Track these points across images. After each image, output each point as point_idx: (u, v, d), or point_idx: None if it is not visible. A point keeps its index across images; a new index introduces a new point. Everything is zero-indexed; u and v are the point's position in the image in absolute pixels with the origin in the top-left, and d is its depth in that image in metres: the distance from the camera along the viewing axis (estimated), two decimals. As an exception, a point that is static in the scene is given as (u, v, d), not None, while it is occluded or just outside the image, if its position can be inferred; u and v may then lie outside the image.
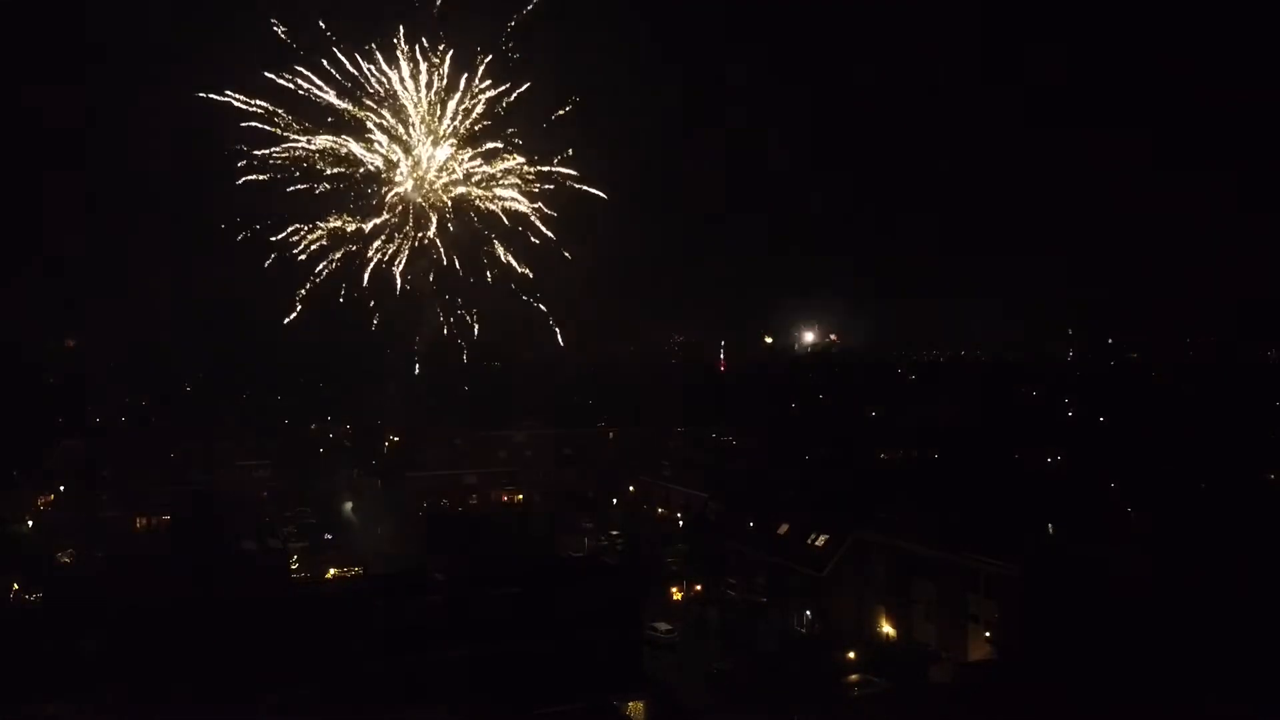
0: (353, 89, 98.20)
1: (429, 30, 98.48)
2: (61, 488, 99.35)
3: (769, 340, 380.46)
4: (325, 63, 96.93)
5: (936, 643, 56.21)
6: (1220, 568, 51.66)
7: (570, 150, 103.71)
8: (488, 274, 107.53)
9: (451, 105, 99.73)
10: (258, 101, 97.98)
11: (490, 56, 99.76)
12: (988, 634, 53.09)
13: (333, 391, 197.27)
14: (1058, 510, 76.83)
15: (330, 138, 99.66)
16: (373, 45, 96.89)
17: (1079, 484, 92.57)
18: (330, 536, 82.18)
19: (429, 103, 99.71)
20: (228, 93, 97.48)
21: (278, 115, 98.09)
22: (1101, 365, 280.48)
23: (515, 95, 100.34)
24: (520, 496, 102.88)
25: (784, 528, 70.02)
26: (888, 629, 60.15)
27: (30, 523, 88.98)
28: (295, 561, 74.67)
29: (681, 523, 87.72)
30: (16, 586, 66.05)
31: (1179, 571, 51.80)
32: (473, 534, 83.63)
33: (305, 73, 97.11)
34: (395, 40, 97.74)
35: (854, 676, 52.55)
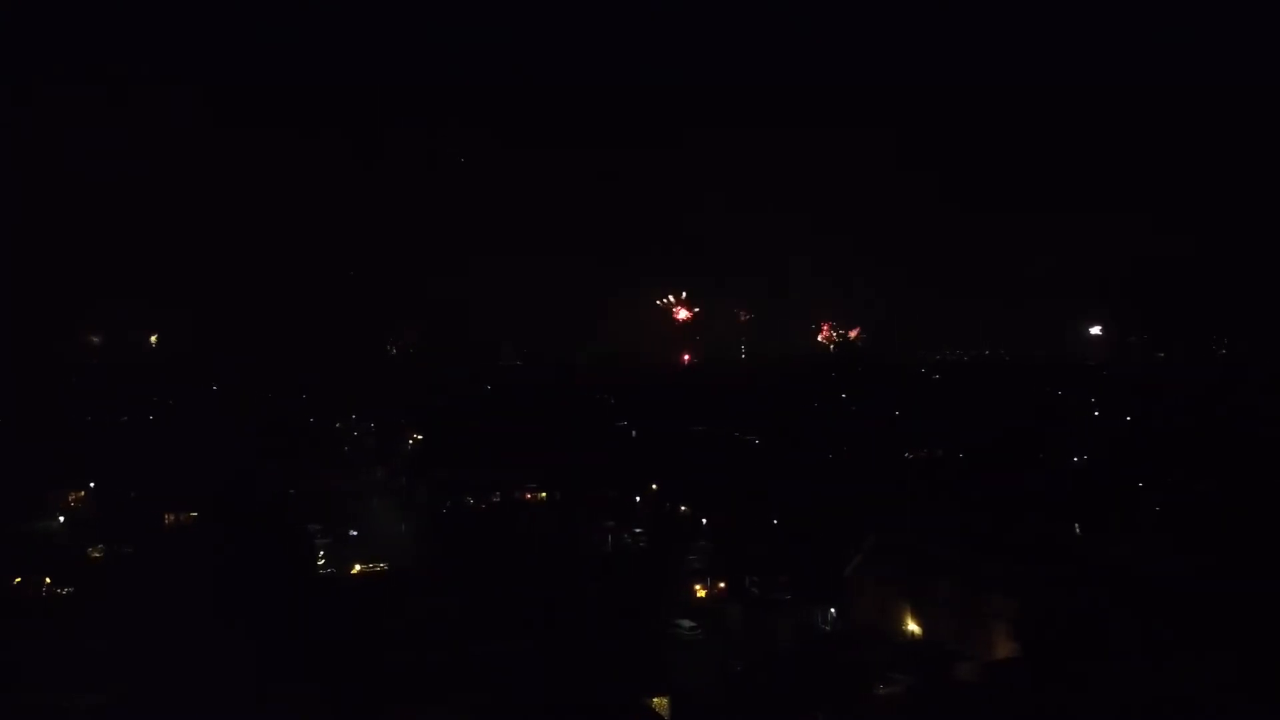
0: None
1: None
2: (92, 484, 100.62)
3: (791, 338, 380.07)
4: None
5: (960, 642, 56.00)
6: (1248, 566, 51.28)
7: None
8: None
9: None
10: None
11: None
12: (1012, 633, 52.82)
13: (356, 390, 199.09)
14: (1084, 510, 76.50)
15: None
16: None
17: (1105, 484, 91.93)
18: (355, 533, 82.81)
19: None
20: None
21: None
22: (1128, 365, 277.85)
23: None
24: (544, 494, 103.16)
25: (808, 525, 69.95)
26: (911, 627, 60.00)
27: (61, 519, 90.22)
28: (321, 557, 75.46)
29: (704, 520, 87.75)
30: (49, 581, 67.10)
31: (1206, 571, 51.47)
32: (495, 531, 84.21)
33: None
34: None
35: (877, 675, 52.48)
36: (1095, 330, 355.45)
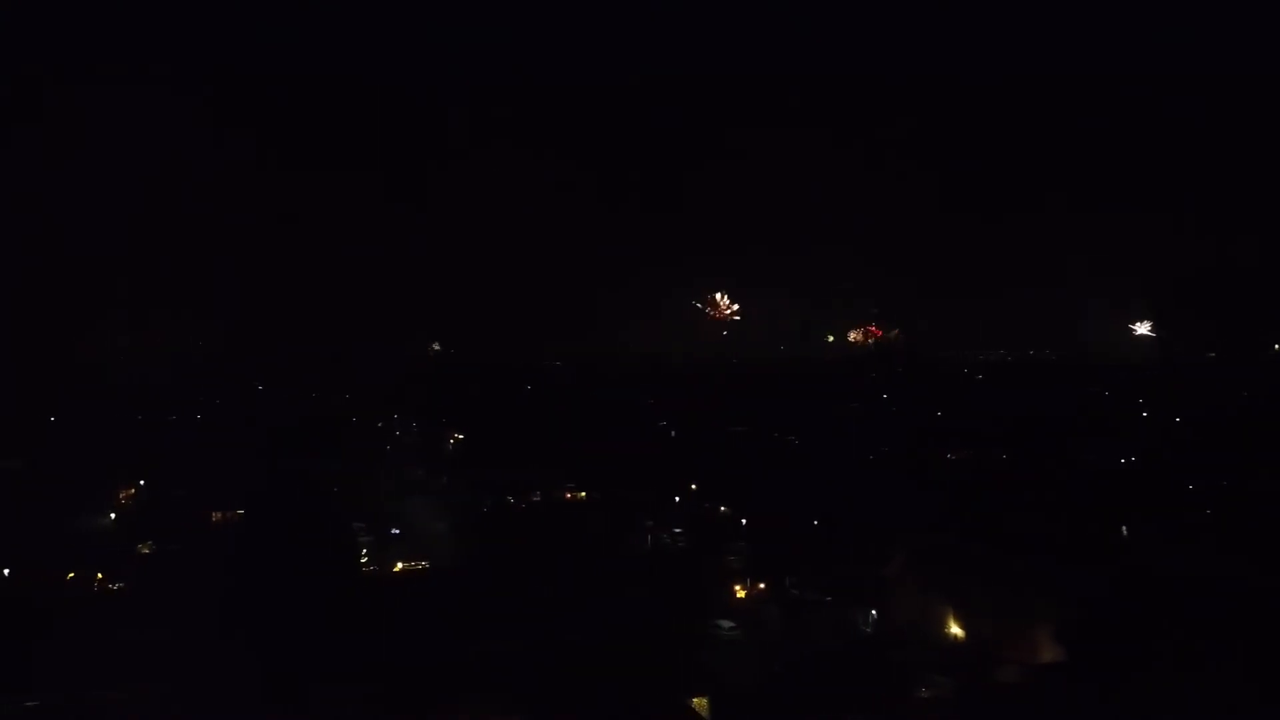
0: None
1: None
2: (142, 482, 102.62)
3: (830, 339, 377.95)
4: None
5: (1003, 644, 55.29)
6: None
7: None
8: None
9: None
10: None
11: None
12: (1057, 636, 52.08)
13: (398, 390, 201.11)
14: (1131, 512, 75.20)
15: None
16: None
17: (1153, 486, 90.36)
18: (397, 531, 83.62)
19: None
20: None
21: None
22: (1176, 364, 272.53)
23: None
24: (583, 494, 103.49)
25: (848, 526, 69.52)
26: (954, 629, 59.36)
27: (112, 515, 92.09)
28: (364, 555, 76.30)
29: (743, 521, 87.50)
30: (100, 576, 68.64)
31: (1255, 575, 50.41)
32: (535, 531, 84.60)
33: None
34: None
35: (918, 677, 52.01)
36: (1142, 330, 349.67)
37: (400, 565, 74.88)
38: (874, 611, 63.29)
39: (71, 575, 68.15)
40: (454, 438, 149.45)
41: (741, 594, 70.28)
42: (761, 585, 70.66)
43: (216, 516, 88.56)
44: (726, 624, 61.44)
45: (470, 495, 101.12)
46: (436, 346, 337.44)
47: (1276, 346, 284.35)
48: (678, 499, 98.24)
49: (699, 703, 48.14)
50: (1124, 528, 71.96)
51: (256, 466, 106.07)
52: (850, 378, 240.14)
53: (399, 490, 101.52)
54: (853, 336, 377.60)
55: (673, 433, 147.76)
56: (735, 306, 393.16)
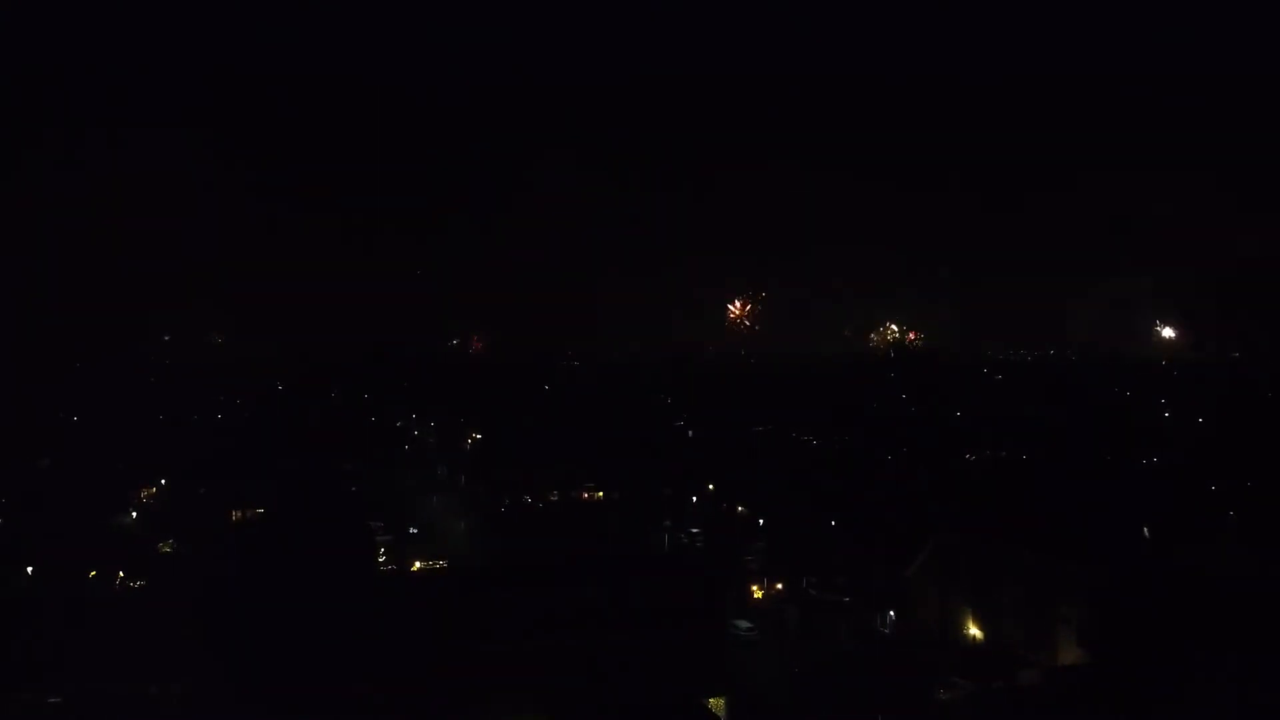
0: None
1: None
2: (163, 480, 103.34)
3: (847, 332, 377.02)
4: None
5: (1025, 646, 54.91)
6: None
7: None
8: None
9: None
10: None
11: None
12: (1078, 638, 51.64)
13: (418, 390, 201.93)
14: (1154, 513, 74.45)
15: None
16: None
17: (1176, 487, 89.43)
18: (416, 531, 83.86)
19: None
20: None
21: None
22: (1201, 364, 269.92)
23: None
24: (601, 494, 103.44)
25: (867, 527, 69.18)
26: (973, 631, 58.97)
27: (134, 514, 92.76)
28: (383, 554, 76.51)
29: (761, 521, 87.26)
30: (122, 574, 69.14)
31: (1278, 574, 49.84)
32: (553, 530, 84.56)
33: None
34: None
35: (938, 679, 51.68)
36: (1168, 331, 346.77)
37: (418, 564, 75.07)
38: (892, 613, 63.00)
39: (94, 574, 68.65)
40: (472, 437, 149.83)
41: (759, 594, 70.11)
42: (779, 586, 70.47)
43: (236, 515, 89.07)
44: (744, 624, 61.26)
45: (488, 494, 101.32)
46: (453, 342, 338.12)
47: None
48: (695, 499, 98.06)
49: (715, 703, 48.02)
50: (1146, 528, 71.28)
51: (276, 466, 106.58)
52: (869, 378, 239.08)
53: (417, 489, 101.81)
54: (871, 336, 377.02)
55: (690, 432, 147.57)
56: (755, 304, 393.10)
